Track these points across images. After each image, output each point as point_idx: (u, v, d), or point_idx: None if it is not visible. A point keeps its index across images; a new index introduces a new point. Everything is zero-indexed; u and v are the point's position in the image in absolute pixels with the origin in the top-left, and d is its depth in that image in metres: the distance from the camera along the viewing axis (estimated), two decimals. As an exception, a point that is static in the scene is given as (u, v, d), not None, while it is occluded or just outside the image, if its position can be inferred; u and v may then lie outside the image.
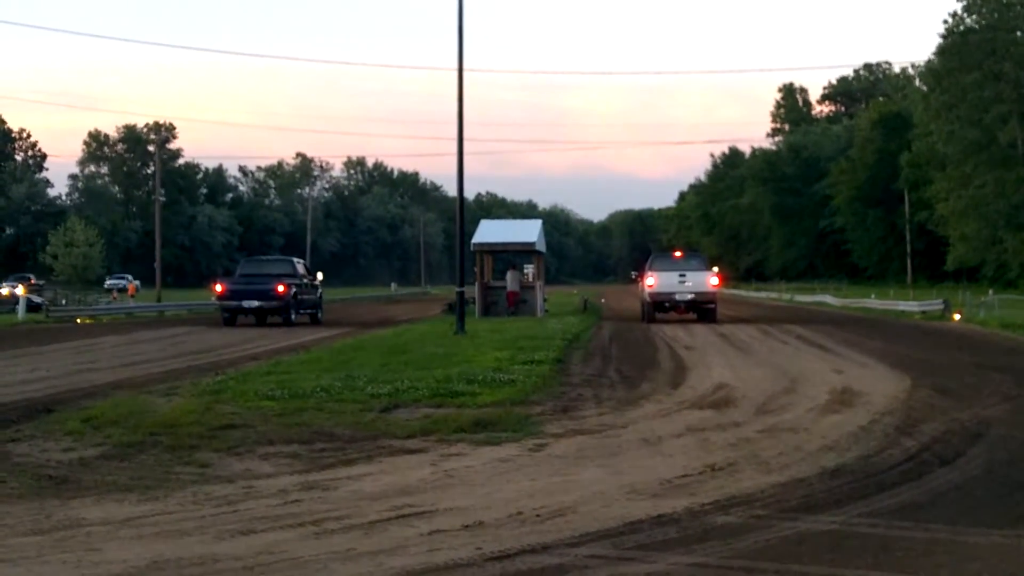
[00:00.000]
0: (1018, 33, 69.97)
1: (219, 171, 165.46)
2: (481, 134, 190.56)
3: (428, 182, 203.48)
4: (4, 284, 67.23)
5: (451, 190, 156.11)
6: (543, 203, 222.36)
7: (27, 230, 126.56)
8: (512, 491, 8.81)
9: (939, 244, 79.99)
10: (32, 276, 75.31)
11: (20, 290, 56.35)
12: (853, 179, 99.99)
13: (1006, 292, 51.91)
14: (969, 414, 13.32)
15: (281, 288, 36.70)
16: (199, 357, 23.52)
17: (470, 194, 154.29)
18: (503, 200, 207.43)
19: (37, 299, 52.55)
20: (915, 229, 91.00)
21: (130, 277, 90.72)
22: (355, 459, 10.34)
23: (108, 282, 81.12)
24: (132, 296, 63.54)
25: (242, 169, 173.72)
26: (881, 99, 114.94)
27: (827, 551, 6.97)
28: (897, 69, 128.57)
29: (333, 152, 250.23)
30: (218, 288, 38.91)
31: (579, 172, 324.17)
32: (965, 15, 71.50)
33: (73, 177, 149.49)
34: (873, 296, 56.72)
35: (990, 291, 49.56)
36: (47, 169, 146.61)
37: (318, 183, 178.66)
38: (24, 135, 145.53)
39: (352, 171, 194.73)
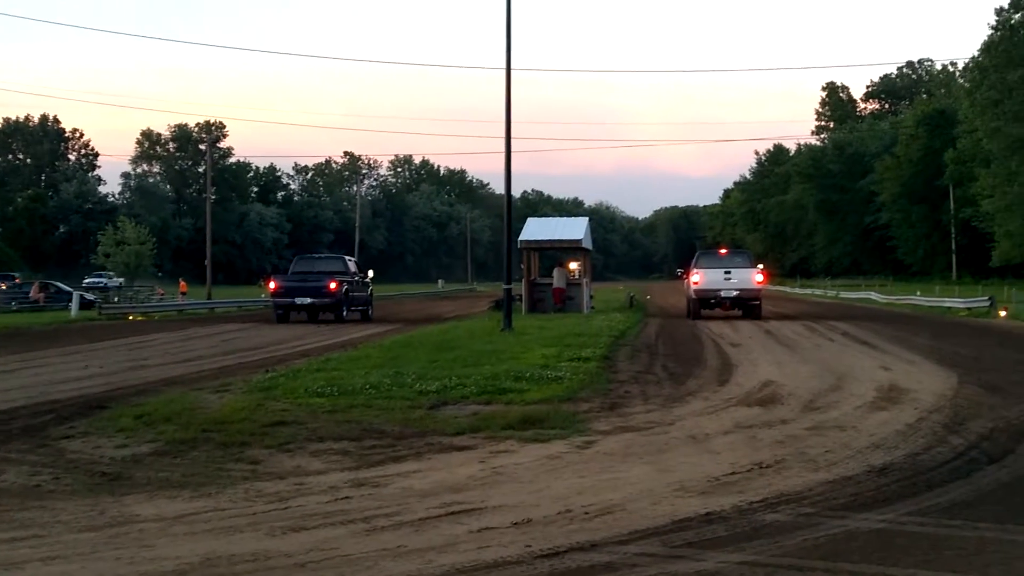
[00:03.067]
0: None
1: (271, 170, 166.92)
2: (528, 132, 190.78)
3: (475, 180, 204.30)
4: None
5: (498, 187, 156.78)
6: (589, 200, 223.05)
7: (78, 228, 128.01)
8: (561, 488, 8.83)
9: (984, 240, 79.27)
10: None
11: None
12: (898, 176, 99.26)
13: (1054, 289, 51.21)
14: (1017, 411, 13.22)
15: (334, 285, 37.10)
16: (250, 354, 23.73)
17: (517, 191, 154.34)
18: (549, 198, 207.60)
19: (89, 296, 53.21)
20: (960, 225, 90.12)
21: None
22: (404, 456, 10.40)
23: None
24: (183, 293, 64.06)
25: (295, 167, 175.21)
26: (925, 96, 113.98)
27: (876, 550, 6.95)
28: (939, 67, 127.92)
29: (381, 151, 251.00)
30: (271, 285, 39.34)
31: (625, 170, 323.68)
32: (1012, 11, 70.86)
33: (125, 175, 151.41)
34: (918, 293, 56.15)
35: (1035, 287, 49.01)
36: (99, 167, 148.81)
37: (366, 181, 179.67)
38: (77, 135, 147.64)
39: (399, 169, 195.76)
